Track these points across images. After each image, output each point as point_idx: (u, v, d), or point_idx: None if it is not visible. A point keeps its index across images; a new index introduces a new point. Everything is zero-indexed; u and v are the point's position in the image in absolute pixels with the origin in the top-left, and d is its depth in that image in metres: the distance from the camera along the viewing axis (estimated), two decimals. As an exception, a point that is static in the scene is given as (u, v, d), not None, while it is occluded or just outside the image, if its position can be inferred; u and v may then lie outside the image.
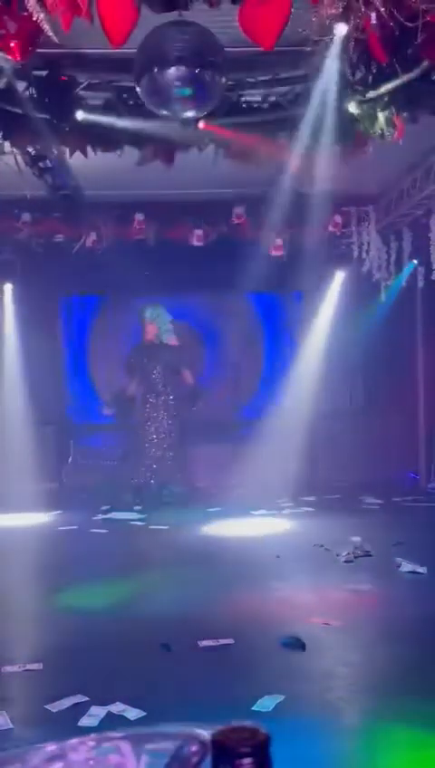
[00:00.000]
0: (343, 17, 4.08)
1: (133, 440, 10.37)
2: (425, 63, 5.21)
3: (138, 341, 10.89)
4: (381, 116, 5.92)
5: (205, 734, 0.98)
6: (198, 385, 10.73)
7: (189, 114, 5.69)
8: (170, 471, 10.13)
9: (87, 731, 3.37)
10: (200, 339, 12.12)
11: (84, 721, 3.59)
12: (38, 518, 9.03)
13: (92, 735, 1.19)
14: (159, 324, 10.52)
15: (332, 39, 4.66)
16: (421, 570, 6.12)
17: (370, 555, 6.67)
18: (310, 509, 9.32)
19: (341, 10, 3.99)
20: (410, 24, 4.19)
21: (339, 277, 11.46)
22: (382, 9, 3.93)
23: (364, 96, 5.94)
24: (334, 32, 4.04)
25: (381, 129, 6.05)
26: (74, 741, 1.15)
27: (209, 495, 10.19)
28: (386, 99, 5.92)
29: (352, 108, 6.13)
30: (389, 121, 6.10)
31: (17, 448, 10.72)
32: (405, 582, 5.96)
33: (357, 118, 6.27)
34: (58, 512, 9.34)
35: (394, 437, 11.05)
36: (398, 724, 3.54)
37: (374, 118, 6.11)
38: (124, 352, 11.02)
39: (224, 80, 5.37)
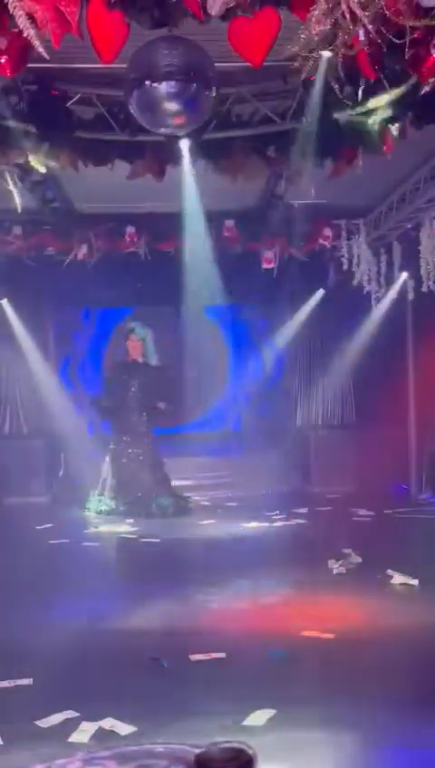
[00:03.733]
0: (332, 34, 4.10)
1: (112, 455, 10.33)
2: (413, 79, 5.27)
3: (118, 358, 10.95)
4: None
5: (191, 754, 0.98)
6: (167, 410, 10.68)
7: (180, 129, 5.72)
8: (153, 483, 10.11)
9: (78, 747, 3.37)
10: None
11: (75, 737, 3.56)
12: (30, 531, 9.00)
13: (79, 755, 1.18)
14: (146, 344, 10.52)
15: (321, 55, 4.69)
16: (413, 582, 6.12)
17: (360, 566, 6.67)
18: (302, 521, 9.31)
19: (329, 27, 4.02)
20: (397, 41, 4.23)
21: (328, 290, 11.55)
22: (370, 26, 3.96)
23: (353, 111, 6.00)
24: (323, 48, 4.08)
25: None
26: (61, 761, 1.15)
27: (201, 508, 10.18)
28: (375, 114, 6.00)
29: (342, 123, 6.19)
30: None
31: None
32: (397, 594, 5.96)
33: (347, 132, 6.33)
34: (49, 525, 9.30)
35: (385, 449, 11.06)
36: (391, 739, 3.53)
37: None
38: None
39: (214, 94, 5.40)
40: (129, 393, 10.33)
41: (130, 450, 10.22)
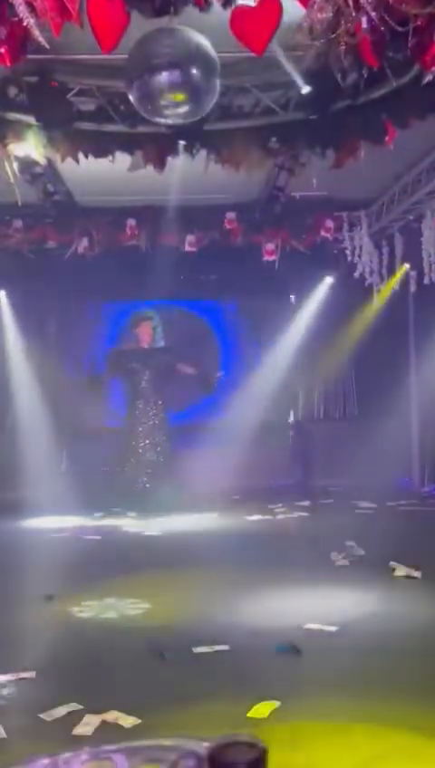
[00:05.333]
0: (334, 22, 4.07)
1: (126, 446, 10.34)
2: (416, 68, 5.22)
3: (126, 346, 10.95)
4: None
5: (201, 748, 0.96)
6: (202, 370, 10.71)
7: (181, 119, 5.68)
8: (165, 474, 10.12)
9: (82, 740, 3.35)
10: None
11: (79, 730, 3.55)
12: (31, 524, 9.00)
13: (86, 749, 1.16)
14: (157, 331, 10.57)
15: (323, 43, 4.66)
16: (416, 574, 6.11)
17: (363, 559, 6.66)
18: (304, 514, 9.30)
19: (331, 14, 3.99)
20: (401, 29, 4.19)
21: (330, 282, 11.51)
22: (373, 14, 3.93)
23: (355, 101, 5.95)
24: (324, 37, 4.04)
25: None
26: (67, 755, 1.13)
27: (205, 500, 10.17)
28: (377, 103, 5.96)
29: (344, 112, 6.15)
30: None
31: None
32: (400, 587, 5.95)
33: (348, 123, 6.29)
34: (51, 517, 9.29)
35: (388, 442, 11.04)
36: (394, 730, 3.52)
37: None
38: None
39: (215, 85, 5.36)
40: (141, 384, 10.37)
41: (146, 441, 10.24)
